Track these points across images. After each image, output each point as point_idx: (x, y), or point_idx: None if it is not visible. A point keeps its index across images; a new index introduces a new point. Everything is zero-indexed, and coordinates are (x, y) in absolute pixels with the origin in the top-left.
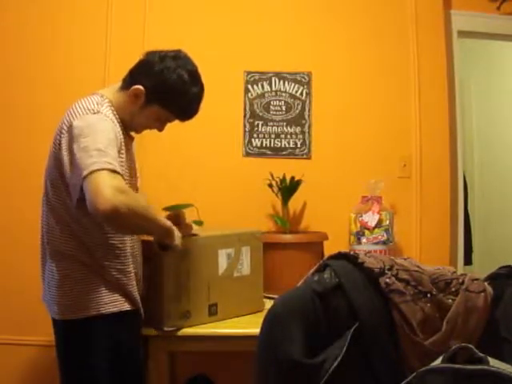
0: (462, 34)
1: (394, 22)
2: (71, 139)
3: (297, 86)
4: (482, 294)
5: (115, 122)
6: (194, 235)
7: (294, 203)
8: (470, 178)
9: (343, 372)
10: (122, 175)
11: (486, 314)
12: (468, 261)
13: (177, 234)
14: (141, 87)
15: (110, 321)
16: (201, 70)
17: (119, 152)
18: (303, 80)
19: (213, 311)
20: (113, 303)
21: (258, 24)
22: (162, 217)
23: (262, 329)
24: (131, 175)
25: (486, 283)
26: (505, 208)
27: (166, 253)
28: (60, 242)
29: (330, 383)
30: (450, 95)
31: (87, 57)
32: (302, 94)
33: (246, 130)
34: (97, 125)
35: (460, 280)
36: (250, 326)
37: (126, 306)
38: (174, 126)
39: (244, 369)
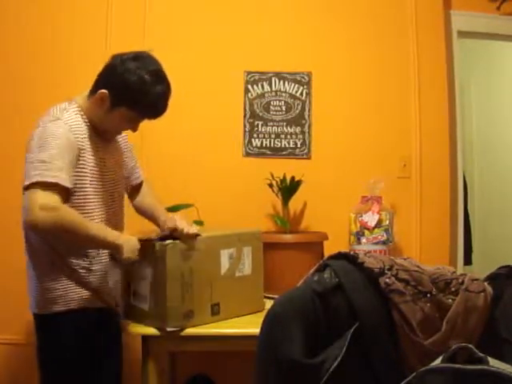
0: (462, 34)
1: (394, 22)
2: (27, 148)
3: (297, 85)
4: (482, 293)
5: (77, 127)
6: (198, 235)
7: (294, 203)
8: (469, 178)
9: (343, 372)
10: (63, 186)
11: (485, 313)
12: (468, 261)
13: (127, 248)
14: (105, 91)
15: (78, 317)
16: (201, 70)
17: (79, 155)
18: (303, 80)
19: (215, 311)
20: (79, 300)
21: (258, 24)
22: (109, 231)
23: (262, 329)
24: (102, 173)
25: (485, 283)
26: (504, 208)
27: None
28: (34, 240)
29: (329, 383)
30: (450, 95)
31: (87, 57)
32: (302, 94)
33: (246, 130)
34: (49, 134)
35: (460, 280)
36: (250, 325)
37: (93, 304)
38: (174, 126)
39: (244, 369)
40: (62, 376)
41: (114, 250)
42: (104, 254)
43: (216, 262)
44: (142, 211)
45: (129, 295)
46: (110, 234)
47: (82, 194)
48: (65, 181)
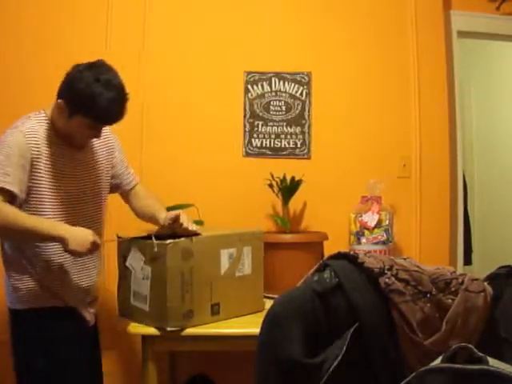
0: (462, 34)
1: (393, 22)
2: None
3: (297, 86)
4: (482, 293)
5: (33, 135)
6: (197, 234)
7: (294, 203)
8: (469, 178)
9: (343, 372)
10: (7, 190)
11: (485, 313)
12: (468, 261)
13: (73, 240)
14: (60, 101)
15: (41, 315)
16: (201, 70)
17: (34, 162)
18: (303, 80)
19: (215, 311)
20: (40, 299)
21: (258, 24)
22: (49, 223)
23: (262, 329)
24: (64, 178)
25: (485, 283)
26: (504, 208)
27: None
28: (2, 239)
29: (329, 383)
30: (450, 95)
31: (87, 57)
32: (301, 94)
33: (246, 130)
34: (3, 142)
35: (459, 280)
36: (250, 325)
37: (54, 303)
38: (175, 126)
39: (244, 369)
40: (26, 374)
41: (60, 243)
42: (45, 253)
43: (216, 262)
44: (141, 215)
45: (128, 295)
46: (48, 226)
47: (38, 197)
48: (10, 185)
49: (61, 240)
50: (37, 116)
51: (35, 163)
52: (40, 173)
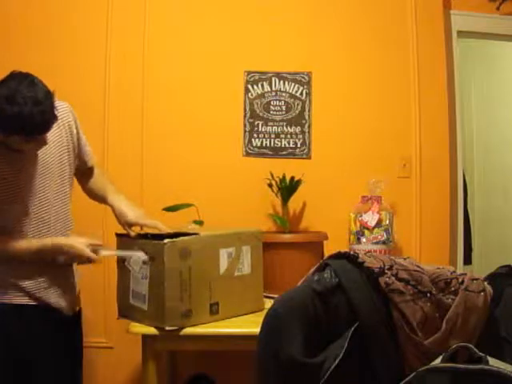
0: (462, 34)
1: (393, 21)
2: None
3: (297, 85)
4: (482, 293)
5: None
6: (195, 234)
7: (294, 203)
8: (469, 178)
9: (343, 371)
10: None
11: (485, 313)
12: (468, 260)
13: (72, 259)
14: None
15: (3, 311)
16: (201, 70)
17: None
18: (303, 80)
19: (214, 310)
20: (6, 295)
21: (258, 24)
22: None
23: (262, 328)
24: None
25: (485, 283)
26: (504, 208)
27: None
28: None
29: (329, 383)
30: (450, 95)
31: (87, 58)
32: (301, 94)
33: (246, 129)
34: None
35: (459, 280)
36: (249, 325)
37: (20, 300)
38: (175, 126)
39: (244, 368)
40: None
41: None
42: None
43: (215, 262)
44: (92, 195)
45: (127, 295)
46: (40, 252)
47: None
48: None
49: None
50: None
51: None
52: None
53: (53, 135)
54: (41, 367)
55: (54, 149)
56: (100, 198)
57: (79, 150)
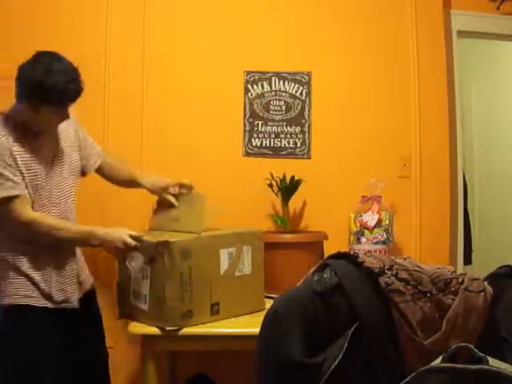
0: (462, 33)
1: (394, 21)
2: None
3: (297, 85)
4: (482, 293)
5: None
6: (195, 234)
7: (294, 203)
8: (469, 178)
9: (343, 372)
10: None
11: (485, 313)
12: (468, 260)
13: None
14: (23, 102)
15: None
16: (201, 70)
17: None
18: (303, 80)
19: (215, 310)
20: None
21: (258, 24)
22: (89, 235)
23: (262, 328)
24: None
25: (485, 283)
26: (504, 208)
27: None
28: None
29: (329, 383)
30: (450, 95)
31: (87, 58)
32: (301, 93)
33: (246, 129)
34: None
35: (459, 279)
36: (250, 325)
37: (20, 301)
38: (174, 126)
39: (244, 368)
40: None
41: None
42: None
43: (215, 262)
44: (121, 183)
45: (128, 295)
46: (84, 236)
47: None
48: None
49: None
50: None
51: (18, 162)
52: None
53: (64, 132)
54: (47, 366)
55: (64, 142)
56: (130, 184)
57: (86, 151)
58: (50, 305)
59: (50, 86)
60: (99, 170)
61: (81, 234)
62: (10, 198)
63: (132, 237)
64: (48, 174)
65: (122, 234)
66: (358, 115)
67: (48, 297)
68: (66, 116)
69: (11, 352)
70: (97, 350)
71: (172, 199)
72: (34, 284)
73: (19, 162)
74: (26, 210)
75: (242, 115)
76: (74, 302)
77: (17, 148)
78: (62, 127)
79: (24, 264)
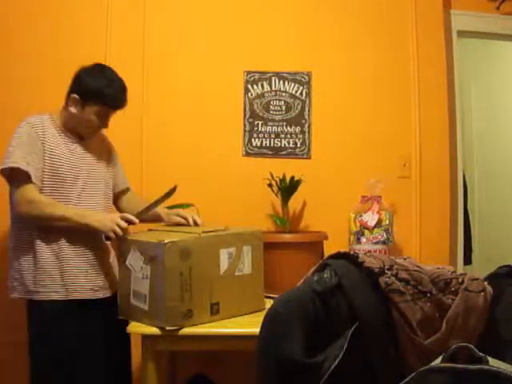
0: (462, 33)
1: (393, 21)
2: None
3: (297, 85)
4: (482, 293)
5: (39, 126)
6: (196, 234)
7: (294, 203)
8: (469, 178)
9: (343, 372)
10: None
11: (485, 313)
12: (468, 260)
13: (105, 226)
14: (75, 95)
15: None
16: (201, 70)
17: (44, 147)
18: (303, 80)
19: (215, 310)
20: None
21: (257, 24)
22: (80, 215)
23: (262, 328)
24: (56, 166)
25: (485, 283)
26: (504, 208)
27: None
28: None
29: (329, 383)
30: (450, 95)
31: (87, 58)
32: (301, 93)
33: (246, 129)
34: (14, 134)
35: (459, 279)
36: (249, 325)
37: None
38: (174, 126)
39: (244, 369)
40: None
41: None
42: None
43: (215, 262)
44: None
45: (128, 295)
46: (74, 215)
47: (56, 177)
48: (25, 167)
49: (91, 228)
50: (42, 115)
51: (45, 148)
52: (44, 155)
53: (99, 146)
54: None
55: (100, 155)
56: (152, 217)
57: (119, 172)
58: (89, 294)
59: (108, 89)
60: (117, 200)
61: (76, 217)
62: (24, 174)
63: (124, 219)
64: (88, 176)
65: (115, 217)
66: (357, 115)
67: (90, 288)
68: (106, 123)
69: (51, 340)
70: (124, 340)
71: (181, 219)
72: (75, 276)
73: (48, 155)
74: (33, 190)
75: (242, 115)
76: (108, 292)
77: (49, 138)
78: (109, 150)
79: (65, 256)
